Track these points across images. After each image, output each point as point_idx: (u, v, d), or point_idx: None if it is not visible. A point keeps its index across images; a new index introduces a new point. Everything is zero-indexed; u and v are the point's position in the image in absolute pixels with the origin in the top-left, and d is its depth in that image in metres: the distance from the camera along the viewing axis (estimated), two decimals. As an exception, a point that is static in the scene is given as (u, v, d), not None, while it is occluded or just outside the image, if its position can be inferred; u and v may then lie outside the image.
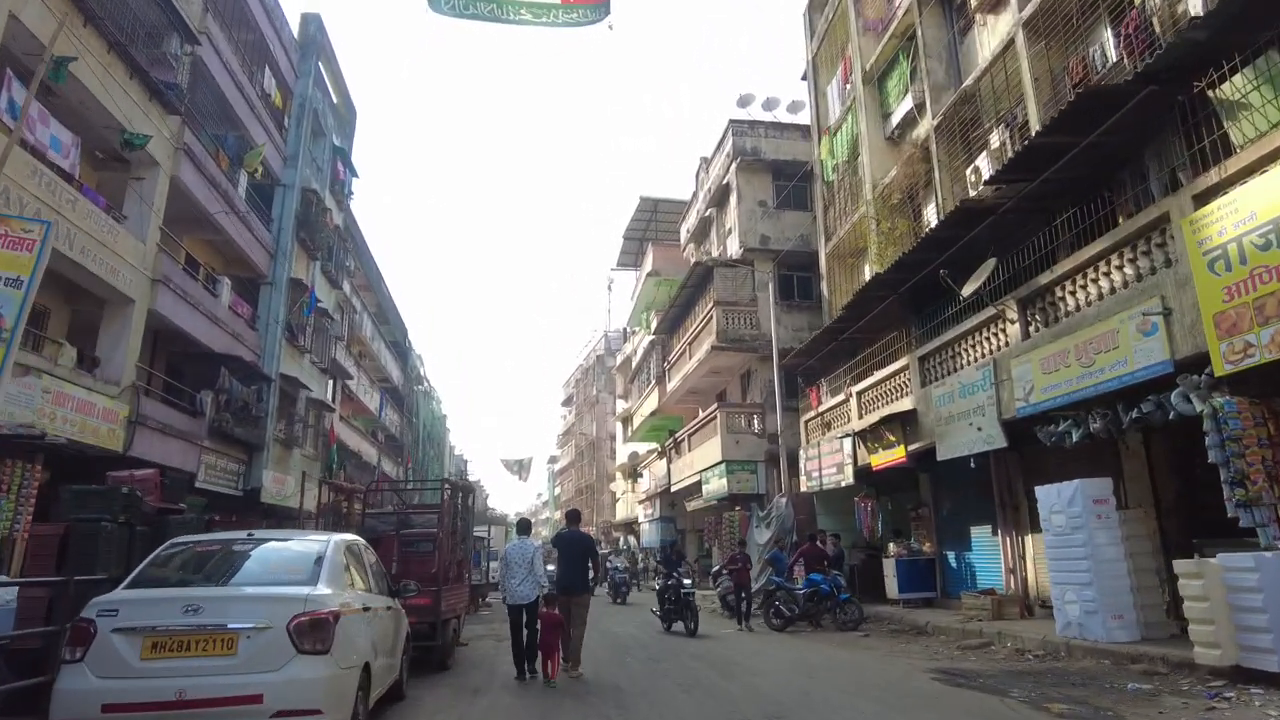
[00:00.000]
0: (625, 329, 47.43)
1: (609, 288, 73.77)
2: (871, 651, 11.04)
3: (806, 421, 19.65)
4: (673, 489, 29.23)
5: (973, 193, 12.47)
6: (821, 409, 18.58)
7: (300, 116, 24.81)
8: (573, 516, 10.33)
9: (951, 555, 15.33)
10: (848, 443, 16.47)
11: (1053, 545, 9.80)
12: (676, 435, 28.16)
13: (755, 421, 22.41)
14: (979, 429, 11.59)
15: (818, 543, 15.26)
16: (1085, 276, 9.44)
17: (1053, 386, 9.82)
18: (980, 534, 14.36)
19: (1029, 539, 12.77)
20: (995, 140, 13.10)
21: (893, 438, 14.40)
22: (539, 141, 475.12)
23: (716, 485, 22.78)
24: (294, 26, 24.79)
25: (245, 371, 20.49)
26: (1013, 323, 10.88)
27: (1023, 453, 12.71)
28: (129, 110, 15.09)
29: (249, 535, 5.73)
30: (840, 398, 17.31)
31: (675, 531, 34.04)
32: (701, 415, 24.48)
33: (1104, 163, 9.83)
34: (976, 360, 11.87)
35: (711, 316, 22.74)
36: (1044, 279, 10.20)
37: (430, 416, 55.19)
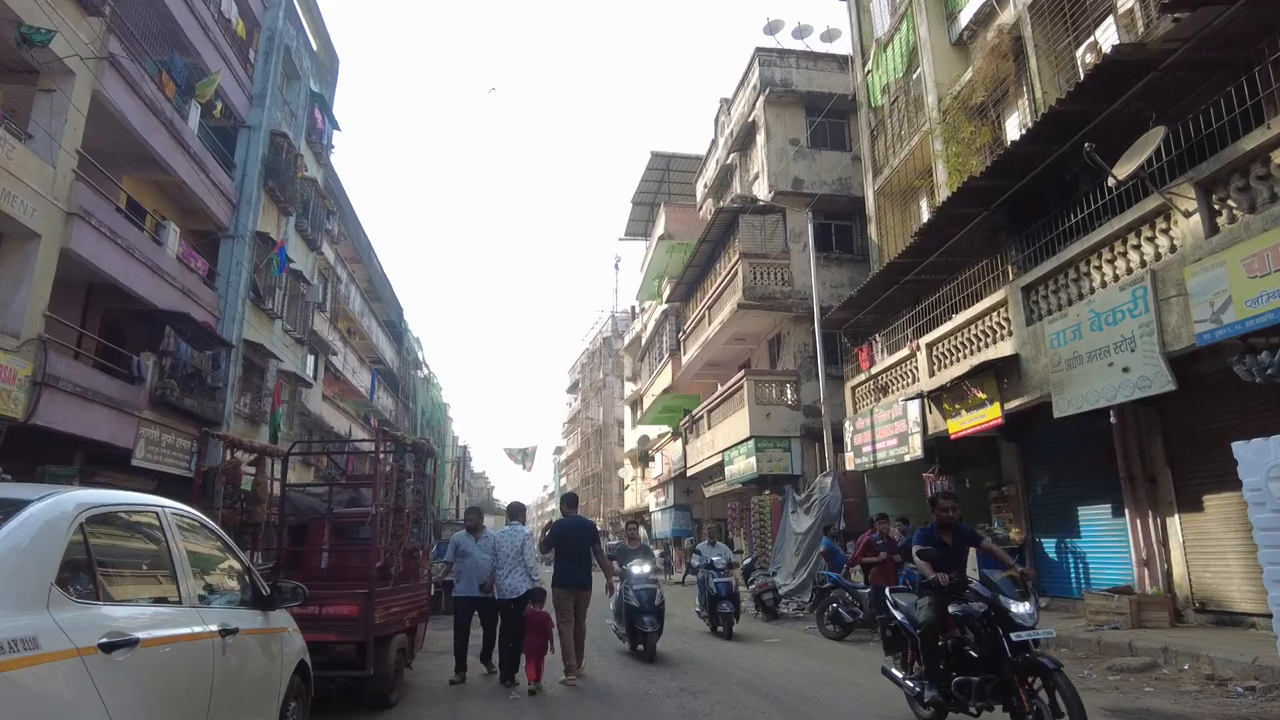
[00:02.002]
0: (634, 306, 44.44)
1: (616, 266, 71.23)
2: (986, 675, 7.99)
3: (854, 388, 16.57)
4: (689, 473, 26.23)
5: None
6: (875, 370, 15.50)
7: (269, 51, 21.83)
8: (570, 500, 8.98)
9: (1049, 544, 12.27)
10: (914, 407, 13.41)
11: (1272, 526, 6.73)
12: (694, 413, 25.13)
13: (789, 391, 19.35)
14: (1125, 369, 8.51)
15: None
16: (1338, 123, 6.37)
17: (1272, 294, 6.74)
18: (1094, 516, 11.29)
19: (1174, 521, 9.70)
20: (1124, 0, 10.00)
21: (982, 394, 11.33)
22: (543, 107, 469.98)
23: (743, 465, 19.75)
24: (260, -51, 21.76)
25: (198, 334, 17.54)
26: (1187, 215, 7.78)
27: (1161, 407, 9.67)
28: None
29: None
30: (902, 354, 14.23)
31: (691, 521, 31.05)
32: (723, 388, 21.44)
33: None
34: (1122, 276, 8.77)
35: (736, 271, 19.67)
36: (1249, 143, 7.10)
37: (430, 404, 52.35)
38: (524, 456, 61.13)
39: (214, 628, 3.45)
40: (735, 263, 19.73)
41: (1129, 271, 8.67)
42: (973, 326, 11.88)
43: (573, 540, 8.11)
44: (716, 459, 22.05)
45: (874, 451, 15.11)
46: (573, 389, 70.37)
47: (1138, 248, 8.56)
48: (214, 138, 19.65)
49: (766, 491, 19.52)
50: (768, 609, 14.50)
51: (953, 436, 12.38)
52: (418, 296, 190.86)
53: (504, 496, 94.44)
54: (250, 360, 20.61)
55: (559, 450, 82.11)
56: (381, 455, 7.31)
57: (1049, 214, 10.30)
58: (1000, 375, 10.98)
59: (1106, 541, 11.00)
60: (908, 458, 13.70)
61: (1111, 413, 8.96)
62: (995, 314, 11.28)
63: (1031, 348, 10.35)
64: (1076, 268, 9.56)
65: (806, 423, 18.81)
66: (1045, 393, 9.98)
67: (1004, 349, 10.91)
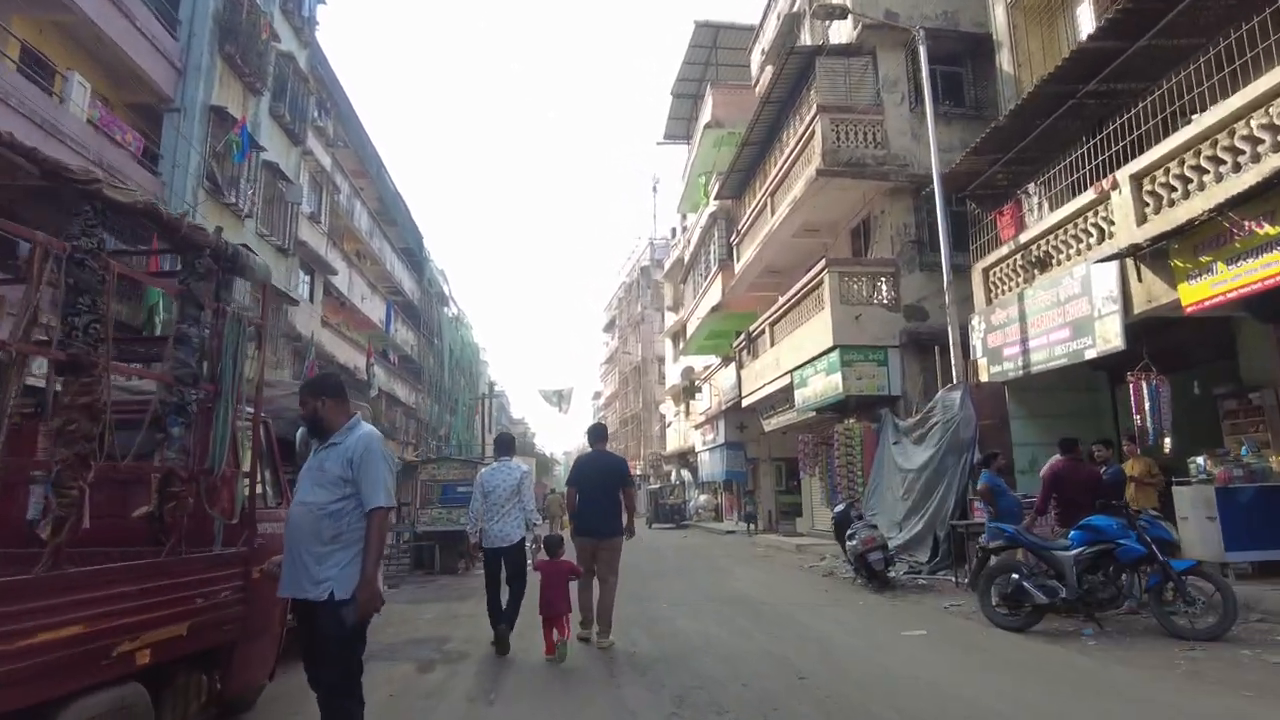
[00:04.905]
0: (674, 228, 39.83)
1: (654, 189, 66.34)
2: None
3: (988, 269, 11.96)
4: (744, 403, 21.95)
5: None
6: (1026, 239, 10.88)
7: (218, -119, 17.56)
8: (597, 433, 7.65)
9: (1347, 478, 7.83)
10: (1106, 274, 8.85)
11: None
12: (752, 329, 20.72)
13: (884, 287, 14.81)
14: None
15: (1077, 457, 7.83)
16: None
17: None
18: None
19: None
20: None
21: (1269, 228, 6.78)
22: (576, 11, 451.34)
23: (821, 386, 15.39)
24: None
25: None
26: None
27: None
28: None
29: None
30: (1083, 200, 9.57)
31: (745, 461, 26.92)
32: (792, 292, 16.94)
33: None
34: None
35: (814, 131, 14.99)
36: None
37: (460, 342, 48.83)
38: (559, 398, 57.84)
39: None
40: (812, 120, 15.04)
41: None
42: (1239, 125, 7.21)
43: (596, 480, 7.08)
44: (783, 381, 17.72)
45: (1023, 353, 10.63)
46: (609, 327, 66.39)
47: None
48: (152, -10, 15.70)
49: (851, 419, 15.20)
50: (874, 574, 10.27)
51: (1187, 310, 7.83)
52: (446, 235, 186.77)
53: (543, 442, 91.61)
54: (207, 265, 16.72)
55: (597, 395, 78.77)
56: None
57: None
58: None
59: None
60: (1092, 353, 9.18)
61: None
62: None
63: None
64: None
65: (909, 327, 14.32)
66: None
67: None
